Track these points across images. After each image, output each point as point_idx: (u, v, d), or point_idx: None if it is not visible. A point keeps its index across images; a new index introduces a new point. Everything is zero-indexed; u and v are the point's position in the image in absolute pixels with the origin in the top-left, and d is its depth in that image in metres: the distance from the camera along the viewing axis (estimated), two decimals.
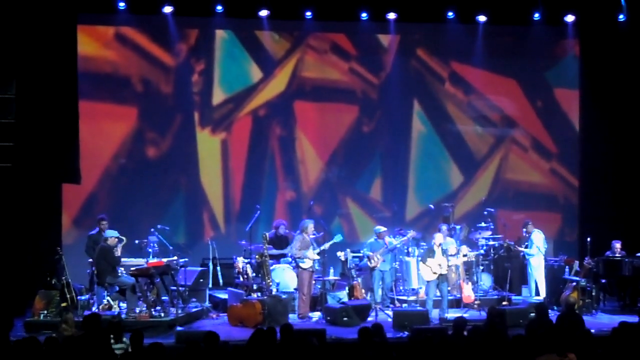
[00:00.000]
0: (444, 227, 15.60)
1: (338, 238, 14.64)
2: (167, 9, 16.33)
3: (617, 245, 15.48)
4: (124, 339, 9.78)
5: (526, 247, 15.72)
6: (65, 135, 15.70)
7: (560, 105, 18.14)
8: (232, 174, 17.35)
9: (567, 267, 15.19)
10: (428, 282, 14.17)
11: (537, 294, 15.66)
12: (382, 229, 15.04)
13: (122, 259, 13.92)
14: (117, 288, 13.71)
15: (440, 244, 14.21)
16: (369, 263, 14.74)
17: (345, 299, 14.62)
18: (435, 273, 14.03)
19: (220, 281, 15.68)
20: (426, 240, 15.61)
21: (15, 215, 15.22)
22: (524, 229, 15.84)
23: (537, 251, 15.58)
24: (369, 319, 13.79)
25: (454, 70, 17.93)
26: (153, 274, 13.67)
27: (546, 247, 16.00)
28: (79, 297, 13.79)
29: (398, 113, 17.81)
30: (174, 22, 16.71)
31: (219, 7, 16.35)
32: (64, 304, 13.42)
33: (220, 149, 17.34)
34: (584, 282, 14.63)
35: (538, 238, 15.63)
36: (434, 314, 13.90)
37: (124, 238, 14.10)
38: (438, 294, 14.15)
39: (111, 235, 13.84)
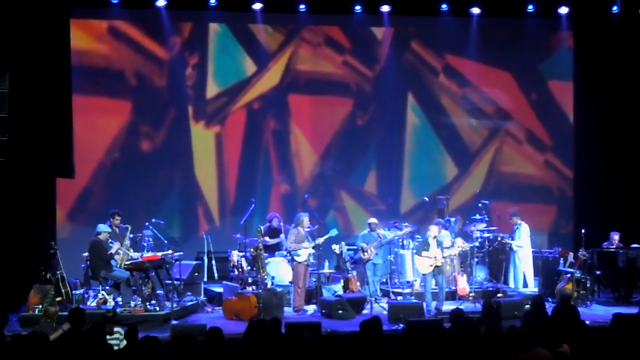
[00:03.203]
0: (440, 220, 15.61)
1: (333, 232, 14.64)
2: (161, 2, 16.34)
3: (616, 236, 15.50)
4: (115, 329, 9.79)
5: (512, 238, 15.73)
6: (59, 129, 15.68)
7: (554, 97, 18.13)
8: (227, 167, 17.32)
9: (561, 259, 15.18)
10: (424, 274, 14.17)
11: (525, 285, 15.66)
12: (374, 220, 15.10)
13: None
14: (112, 282, 13.69)
15: (435, 237, 14.21)
16: (362, 255, 14.78)
17: (341, 292, 14.64)
18: (430, 265, 14.03)
19: (215, 275, 15.70)
20: (421, 233, 15.62)
21: (9, 210, 15.18)
22: (510, 219, 15.86)
23: (525, 242, 15.64)
24: (364, 311, 13.81)
25: (448, 62, 17.90)
26: (148, 268, 13.66)
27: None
28: (73, 292, 13.79)
29: (392, 106, 17.79)
30: (167, 15, 16.67)
31: (213, 0, 16.38)
32: (58, 299, 13.42)
33: (215, 142, 17.30)
34: (579, 273, 14.65)
35: (527, 229, 15.67)
36: (433, 306, 13.90)
37: (128, 226, 14.17)
38: (434, 285, 14.14)
39: (103, 230, 13.81)
